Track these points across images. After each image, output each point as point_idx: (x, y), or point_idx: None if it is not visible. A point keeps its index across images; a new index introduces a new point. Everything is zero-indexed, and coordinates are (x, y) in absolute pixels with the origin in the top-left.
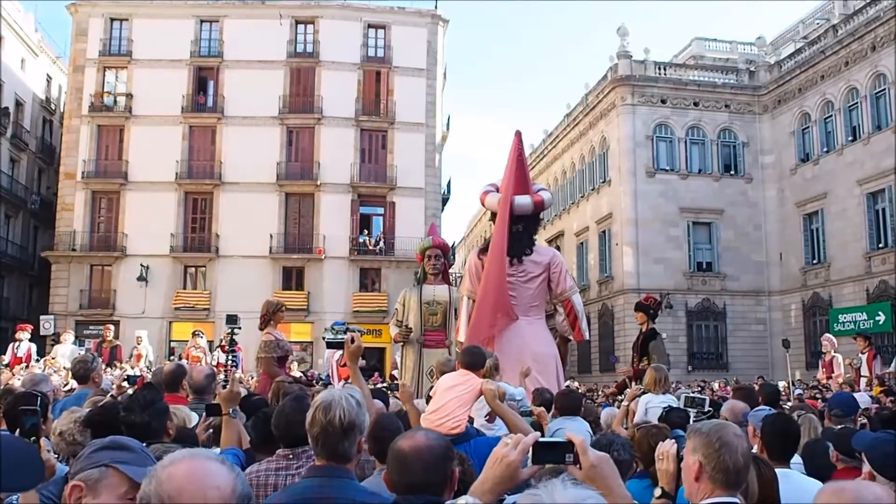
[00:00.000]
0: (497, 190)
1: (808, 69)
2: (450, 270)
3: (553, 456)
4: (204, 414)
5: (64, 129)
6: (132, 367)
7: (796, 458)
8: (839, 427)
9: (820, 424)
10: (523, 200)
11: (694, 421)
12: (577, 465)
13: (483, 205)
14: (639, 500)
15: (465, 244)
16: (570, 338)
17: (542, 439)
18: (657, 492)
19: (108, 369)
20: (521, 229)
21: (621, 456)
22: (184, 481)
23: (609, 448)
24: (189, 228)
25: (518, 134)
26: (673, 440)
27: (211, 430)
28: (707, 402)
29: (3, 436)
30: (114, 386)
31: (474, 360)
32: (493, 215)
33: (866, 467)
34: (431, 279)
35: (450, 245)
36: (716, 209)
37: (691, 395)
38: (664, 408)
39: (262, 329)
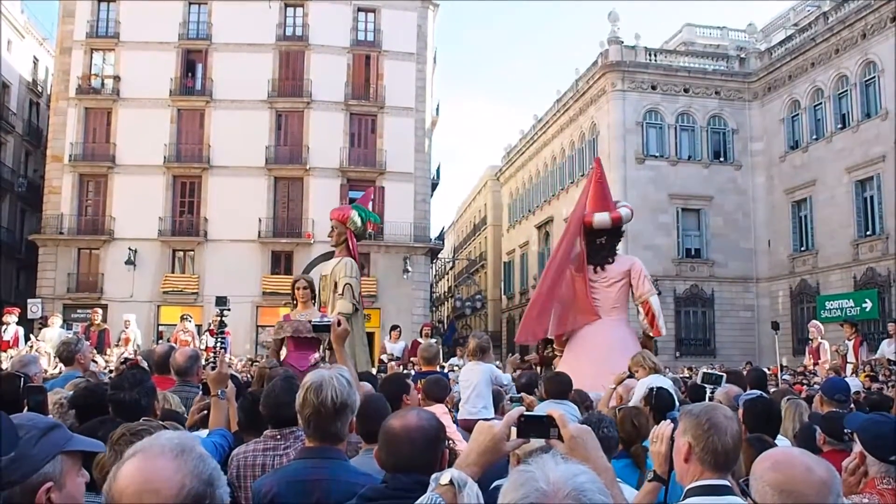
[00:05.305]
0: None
1: (799, 56)
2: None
3: (537, 430)
4: (200, 394)
5: (51, 111)
6: (122, 351)
7: (781, 440)
8: (827, 411)
9: (807, 409)
10: (602, 217)
11: (709, 397)
12: (560, 440)
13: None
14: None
15: (454, 230)
16: (651, 334)
17: (526, 413)
18: (649, 475)
19: (100, 355)
20: (603, 241)
21: (609, 433)
22: (126, 482)
23: (598, 426)
24: (177, 212)
25: (598, 160)
26: (669, 421)
27: (205, 412)
28: (724, 378)
29: None
30: (113, 367)
31: (439, 392)
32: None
33: (857, 447)
34: (336, 252)
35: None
36: (705, 196)
37: (709, 371)
38: (650, 388)
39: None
